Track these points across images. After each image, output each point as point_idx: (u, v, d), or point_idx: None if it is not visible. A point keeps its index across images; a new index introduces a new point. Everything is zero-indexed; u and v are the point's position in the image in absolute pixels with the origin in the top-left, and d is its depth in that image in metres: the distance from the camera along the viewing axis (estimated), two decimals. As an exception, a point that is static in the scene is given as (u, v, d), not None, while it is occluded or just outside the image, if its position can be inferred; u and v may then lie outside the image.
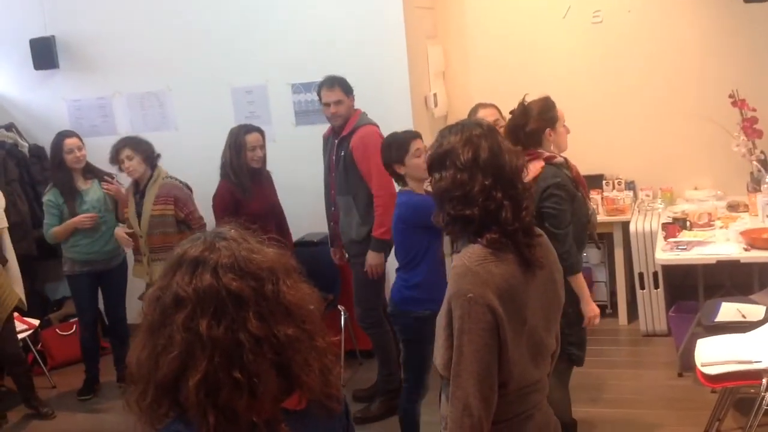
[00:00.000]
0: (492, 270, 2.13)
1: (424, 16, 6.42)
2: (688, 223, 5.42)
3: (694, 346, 4.31)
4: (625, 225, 5.97)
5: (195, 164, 5.71)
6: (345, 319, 5.65)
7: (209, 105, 6.36)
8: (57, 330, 6.49)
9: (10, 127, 6.71)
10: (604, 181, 6.37)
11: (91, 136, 6.24)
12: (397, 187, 4.36)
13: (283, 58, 6.17)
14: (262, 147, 5.19)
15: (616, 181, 6.39)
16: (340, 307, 5.66)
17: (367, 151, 4.85)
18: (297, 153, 6.02)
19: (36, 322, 6.06)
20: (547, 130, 3.78)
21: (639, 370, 5.45)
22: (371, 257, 4.87)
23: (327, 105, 4.97)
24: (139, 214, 5.28)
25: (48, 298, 6.96)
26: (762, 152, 5.85)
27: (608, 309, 6.22)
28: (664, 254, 5.02)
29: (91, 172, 5.61)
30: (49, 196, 5.52)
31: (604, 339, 5.84)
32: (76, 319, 6.19)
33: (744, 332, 4.24)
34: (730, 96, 5.92)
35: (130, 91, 6.60)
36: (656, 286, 5.74)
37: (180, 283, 1.51)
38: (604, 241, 5.99)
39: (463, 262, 2.16)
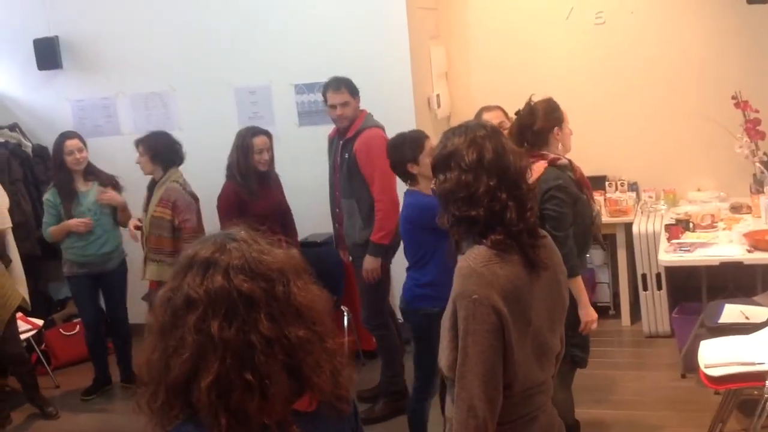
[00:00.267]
0: (497, 271, 2.14)
1: (426, 16, 6.43)
2: (691, 225, 5.42)
3: (698, 348, 4.31)
4: (628, 226, 5.97)
5: (199, 164, 5.71)
6: (348, 319, 5.66)
7: (213, 105, 6.37)
8: (60, 330, 6.51)
9: (13, 127, 6.72)
10: (606, 183, 6.38)
11: (94, 136, 6.27)
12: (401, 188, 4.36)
13: (286, 59, 6.18)
14: (269, 150, 5.17)
15: (618, 183, 6.40)
16: (343, 308, 5.66)
17: (370, 154, 4.84)
18: (300, 153, 6.02)
19: (40, 322, 6.07)
20: (555, 129, 3.80)
21: (642, 371, 5.45)
22: (368, 261, 4.85)
23: (333, 107, 4.95)
24: (146, 212, 5.31)
25: (51, 297, 6.97)
26: (765, 153, 5.85)
27: (611, 310, 6.23)
28: (667, 256, 5.03)
29: (92, 174, 5.60)
30: (48, 196, 5.56)
31: (607, 340, 5.85)
32: (79, 319, 6.21)
33: (747, 334, 4.25)
34: (733, 97, 5.92)
35: (134, 91, 6.61)
36: (659, 288, 5.75)
37: (191, 284, 1.52)
38: (607, 242, 5.99)
39: (468, 263, 2.16)
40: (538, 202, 3.43)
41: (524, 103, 3.91)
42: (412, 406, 4.23)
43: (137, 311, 6.34)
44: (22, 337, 5.62)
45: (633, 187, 6.43)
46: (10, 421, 5.51)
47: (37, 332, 6.04)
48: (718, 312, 4.62)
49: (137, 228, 5.45)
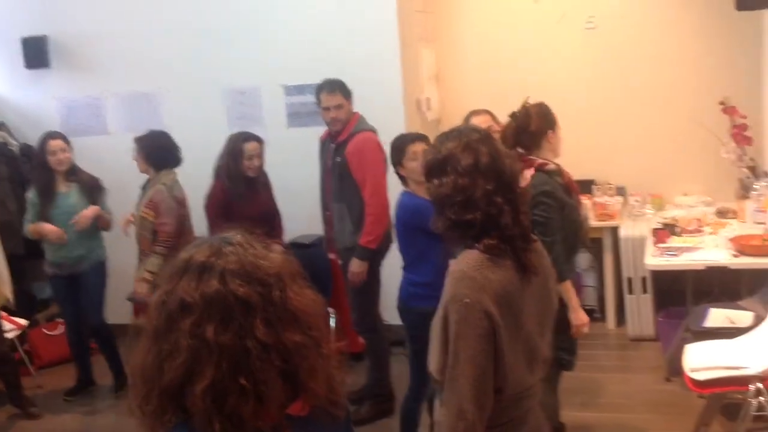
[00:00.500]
0: (489, 276, 2.15)
1: (417, 19, 6.44)
2: (677, 229, 5.46)
3: (682, 352, 4.34)
4: (615, 230, 6.01)
5: (186, 165, 5.68)
6: (335, 321, 5.65)
7: (201, 106, 6.37)
8: (44, 330, 6.47)
9: (0, 126, 6.68)
10: (594, 186, 6.41)
11: (81, 135, 6.25)
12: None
13: (276, 60, 6.18)
14: (260, 156, 5.14)
15: (606, 187, 6.43)
16: (329, 310, 5.66)
17: (362, 158, 4.83)
18: (289, 155, 6.01)
19: (24, 321, 6.04)
20: (549, 132, 3.81)
21: (627, 374, 5.48)
22: (354, 265, 4.84)
23: (327, 109, 4.92)
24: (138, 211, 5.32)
25: (35, 297, 6.92)
26: (751, 159, 5.91)
27: (597, 313, 6.26)
28: (654, 260, 5.06)
29: (74, 175, 5.54)
30: (30, 193, 5.56)
31: (592, 343, 5.85)
32: (62, 319, 6.19)
33: (732, 338, 4.28)
34: (721, 103, 5.97)
35: (122, 91, 6.59)
36: (645, 291, 5.79)
37: (186, 288, 1.51)
38: (594, 246, 6.03)
39: (461, 267, 2.18)
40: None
41: (518, 106, 3.91)
42: (408, 405, 4.24)
43: (123, 312, 6.34)
44: (7, 336, 5.58)
45: (620, 191, 6.46)
46: (-7, 420, 5.49)
47: (20, 332, 6.01)
48: (704, 316, 4.66)
49: (130, 222, 5.43)
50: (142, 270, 5.17)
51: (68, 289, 5.62)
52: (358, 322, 5.05)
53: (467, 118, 4.75)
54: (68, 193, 5.50)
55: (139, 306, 6.41)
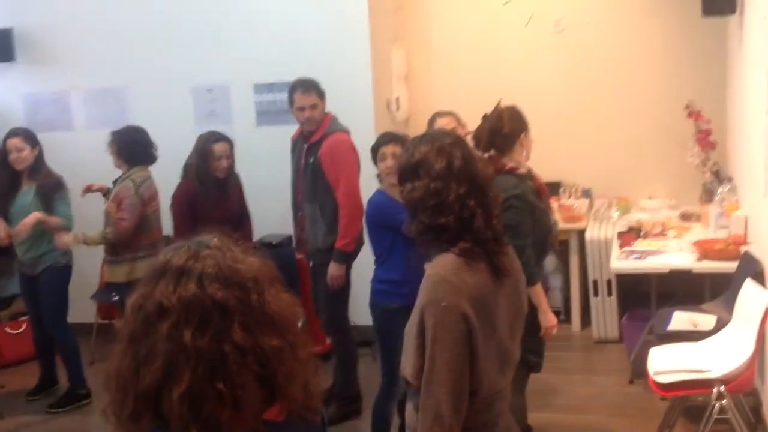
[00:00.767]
0: (466, 279, 2.16)
1: (388, 19, 6.44)
2: (642, 232, 5.52)
3: (646, 354, 4.40)
4: (581, 233, 6.06)
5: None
6: (302, 322, 5.64)
7: (169, 103, 6.31)
8: (6, 328, 6.36)
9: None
10: (561, 189, 6.46)
11: (46, 131, 6.11)
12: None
13: (245, 58, 6.15)
14: (229, 157, 5.09)
15: (572, 189, 6.48)
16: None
17: (336, 159, 4.81)
18: (258, 153, 5.98)
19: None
20: (522, 134, 3.84)
21: (591, 376, 5.54)
22: (333, 268, 4.82)
23: (302, 109, 4.86)
24: None
25: (-2, 295, 6.84)
26: (715, 164, 5.99)
27: (562, 315, 6.30)
28: (619, 263, 5.12)
29: (37, 173, 5.35)
30: None
31: (556, 345, 5.85)
32: (26, 317, 6.11)
33: (695, 341, 4.34)
34: (686, 107, 6.05)
35: (88, 86, 6.51)
36: (610, 294, 5.85)
37: (164, 292, 1.50)
38: (560, 248, 6.06)
39: (437, 270, 2.18)
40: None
41: (486, 107, 3.93)
42: (380, 403, 4.25)
43: (87, 310, 6.29)
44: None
45: (586, 193, 6.53)
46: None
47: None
48: (667, 319, 4.72)
49: (95, 191, 5.38)
50: (87, 236, 5.16)
51: (31, 288, 5.53)
52: (328, 323, 5.04)
53: (432, 119, 4.77)
54: (27, 191, 5.35)
55: (103, 306, 6.37)
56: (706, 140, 5.98)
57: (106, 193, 5.42)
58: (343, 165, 4.79)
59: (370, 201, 4.17)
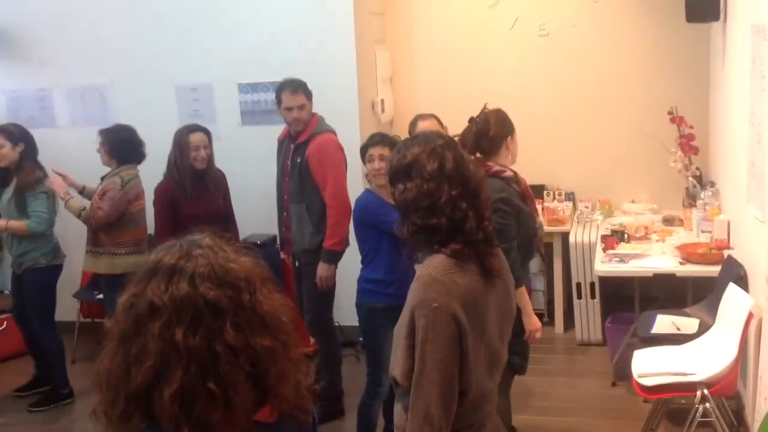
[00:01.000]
0: (457, 280, 2.16)
1: (373, 21, 6.44)
2: (626, 236, 5.55)
3: (629, 357, 4.42)
4: (565, 235, 6.08)
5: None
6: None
7: (152, 101, 6.27)
8: (-14, 325, 6.32)
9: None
10: (545, 192, 6.49)
11: (29, 128, 5.98)
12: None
13: (230, 58, 6.13)
14: (207, 147, 5.08)
15: (556, 192, 6.51)
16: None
17: (323, 160, 4.81)
18: (242, 153, 5.97)
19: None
20: (508, 137, 3.85)
21: (574, 378, 5.56)
22: (321, 269, 4.82)
23: (289, 109, 4.86)
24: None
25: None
26: (698, 168, 6.03)
27: (545, 317, 6.32)
28: (603, 266, 5.14)
29: (18, 169, 5.28)
30: None
31: (540, 347, 5.88)
32: (8, 315, 6.06)
33: (678, 344, 4.37)
34: (669, 112, 6.09)
35: (72, 83, 6.46)
36: (593, 297, 5.87)
37: (155, 290, 1.49)
38: (544, 250, 6.08)
39: (429, 271, 2.18)
40: None
41: (469, 110, 3.96)
42: (365, 401, 4.25)
43: (69, 308, 6.24)
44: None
45: (570, 196, 6.55)
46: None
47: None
48: (651, 322, 4.73)
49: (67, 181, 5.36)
50: (69, 202, 5.17)
51: (18, 286, 5.48)
52: (312, 324, 5.03)
53: (414, 122, 4.79)
54: (9, 189, 5.33)
55: (85, 304, 6.32)
56: (688, 145, 6.02)
57: (81, 190, 5.41)
58: (330, 165, 4.79)
59: (358, 200, 4.17)
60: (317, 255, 4.85)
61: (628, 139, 6.48)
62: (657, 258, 5.16)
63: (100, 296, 6.06)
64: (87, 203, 5.23)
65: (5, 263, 6.68)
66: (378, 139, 4.14)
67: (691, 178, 5.99)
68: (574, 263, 5.89)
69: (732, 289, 4.25)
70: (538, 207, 6.09)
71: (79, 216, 5.16)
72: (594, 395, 5.21)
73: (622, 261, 5.14)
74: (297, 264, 5.08)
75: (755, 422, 4.05)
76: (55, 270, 5.40)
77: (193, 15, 6.16)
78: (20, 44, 6.47)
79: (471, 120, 3.88)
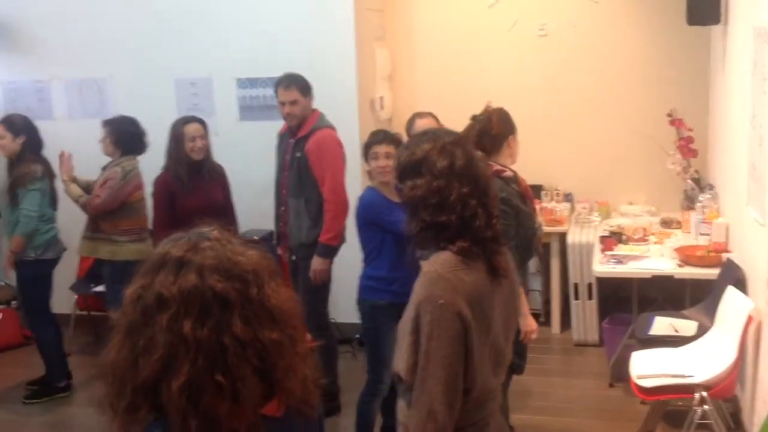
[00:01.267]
0: (463, 277, 2.14)
1: (373, 18, 6.42)
2: (624, 237, 5.55)
3: (627, 358, 4.42)
4: (562, 236, 6.08)
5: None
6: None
7: (151, 95, 6.25)
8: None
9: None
10: (543, 192, 6.48)
11: (26, 119, 6.05)
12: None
13: (230, 53, 6.12)
14: (203, 137, 5.08)
15: (554, 192, 6.50)
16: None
17: (322, 155, 4.81)
18: (240, 148, 5.96)
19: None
20: (510, 136, 3.84)
21: (570, 379, 5.55)
22: (316, 263, 4.83)
23: (282, 104, 4.89)
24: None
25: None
26: (696, 171, 6.03)
27: (541, 318, 6.32)
28: (601, 267, 5.13)
29: (17, 161, 5.27)
30: None
31: (536, 347, 5.87)
32: (2, 306, 6.04)
33: (676, 346, 4.36)
34: (669, 115, 6.09)
35: (70, 76, 6.44)
36: (590, 297, 5.87)
37: (164, 282, 1.48)
38: (542, 251, 6.09)
39: (435, 268, 2.16)
40: None
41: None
42: (364, 398, 4.23)
43: (65, 301, 6.22)
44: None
45: (568, 197, 6.54)
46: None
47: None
48: (649, 324, 4.73)
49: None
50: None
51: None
52: (309, 320, 5.00)
53: (412, 120, 4.78)
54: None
55: (81, 297, 6.30)
56: (687, 148, 6.02)
57: (73, 180, 5.39)
58: (329, 160, 4.79)
59: (362, 198, 4.13)
60: (314, 249, 4.85)
61: (626, 140, 6.47)
62: (655, 260, 5.15)
63: (97, 289, 6.06)
64: (86, 194, 5.24)
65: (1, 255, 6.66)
66: (382, 137, 4.13)
67: (689, 181, 5.98)
68: (572, 264, 5.89)
69: (731, 292, 4.25)
70: (536, 207, 6.11)
71: (77, 201, 5.20)
72: (591, 396, 5.20)
73: (620, 262, 5.13)
74: (294, 258, 5.06)
75: (754, 425, 4.05)
76: (45, 264, 5.31)
77: (193, 10, 6.15)
78: (19, 36, 6.44)
79: (474, 117, 3.86)
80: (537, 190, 6.36)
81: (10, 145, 5.22)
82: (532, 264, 6.23)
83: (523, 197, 3.93)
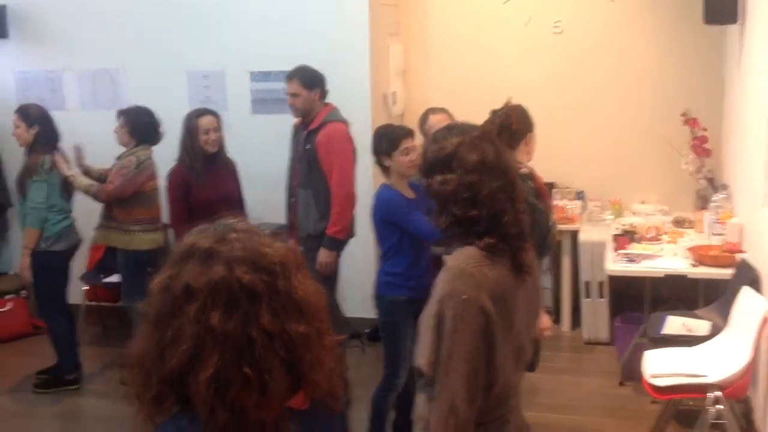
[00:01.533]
0: (487, 273, 2.13)
1: (387, 13, 6.41)
2: (636, 236, 5.53)
3: (638, 357, 4.40)
4: (574, 234, 6.06)
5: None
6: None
7: (163, 87, 6.24)
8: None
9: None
10: (554, 190, 6.45)
11: (39, 110, 6.05)
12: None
13: (243, 46, 6.11)
14: (216, 130, 5.07)
15: (566, 191, 6.48)
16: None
17: (331, 148, 4.82)
18: (252, 141, 5.96)
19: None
20: (528, 133, 3.84)
21: (580, 377, 5.53)
22: (323, 255, 4.84)
23: (286, 96, 4.97)
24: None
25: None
26: (710, 171, 6.00)
27: (552, 315, 6.30)
28: (614, 265, 5.11)
29: (31, 151, 5.28)
30: None
31: (547, 345, 5.87)
32: (12, 296, 6.05)
33: (689, 346, 4.34)
34: (683, 114, 6.06)
35: (83, 66, 6.44)
36: (601, 296, 5.85)
37: (192, 273, 1.46)
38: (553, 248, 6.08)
39: (458, 263, 2.15)
40: None
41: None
42: (379, 393, 4.22)
43: (75, 292, 6.21)
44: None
45: (580, 195, 6.52)
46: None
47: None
48: (661, 323, 4.71)
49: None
50: (77, 179, 5.25)
51: None
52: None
53: (425, 116, 4.77)
54: None
55: (91, 288, 6.30)
56: (701, 147, 5.99)
57: (86, 172, 5.40)
58: (338, 154, 4.80)
59: (379, 196, 4.07)
60: (320, 241, 4.87)
61: (640, 139, 6.45)
62: (668, 259, 5.13)
63: (107, 279, 6.06)
64: (96, 183, 5.26)
65: (11, 245, 6.67)
66: (408, 131, 4.10)
67: (703, 181, 5.96)
68: (584, 262, 5.87)
69: (746, 292, 4.22)
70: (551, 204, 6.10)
71: (88, 191, 5.20)
72: (601, 394, 5.19)
73: (633, 261, 5.11)
74: (302, 249, 5.06)
75: (767, 426, 4.04)
76: (55, 255, 5.26)
77: (207, 3, 6.14)
78: (32, 26, 6.44)
79: (493, 112, 3.85)
80: (549, 187, 6.33)
81: (24, 135, 5.23)
82: (543, 262, 6.24)
83: (538, 194, 3.92)
